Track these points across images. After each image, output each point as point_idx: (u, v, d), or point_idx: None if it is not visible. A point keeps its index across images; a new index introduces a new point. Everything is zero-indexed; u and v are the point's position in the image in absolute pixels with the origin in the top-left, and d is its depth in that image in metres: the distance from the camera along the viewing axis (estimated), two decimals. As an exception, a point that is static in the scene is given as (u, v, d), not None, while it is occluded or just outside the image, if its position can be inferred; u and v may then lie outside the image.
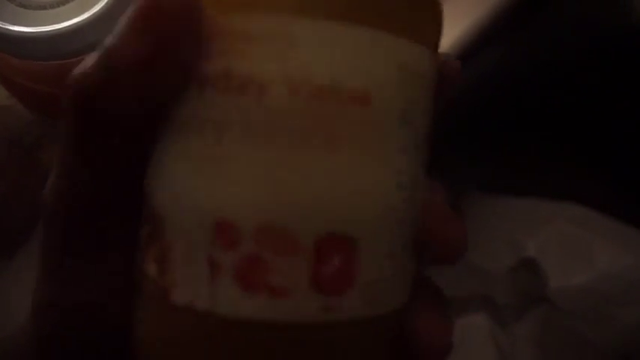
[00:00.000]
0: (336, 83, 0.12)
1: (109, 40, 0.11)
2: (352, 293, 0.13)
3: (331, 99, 0.12)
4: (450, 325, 0.17)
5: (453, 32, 0.40)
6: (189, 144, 0.12)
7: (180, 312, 0.12)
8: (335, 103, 0.12)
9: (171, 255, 0.12)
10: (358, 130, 0.13)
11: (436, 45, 0.15)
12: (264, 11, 0.12)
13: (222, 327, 0.11)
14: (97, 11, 0.18)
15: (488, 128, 0.46)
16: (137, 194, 0.13)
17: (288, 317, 0.12)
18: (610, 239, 0.46)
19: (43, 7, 0.18)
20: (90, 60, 0.12)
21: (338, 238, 0.12)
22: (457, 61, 0.18)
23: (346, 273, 0.12)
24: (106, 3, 0.18)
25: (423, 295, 0.16)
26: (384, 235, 0.14)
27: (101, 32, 0.18)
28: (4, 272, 0.28)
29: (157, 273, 0.12)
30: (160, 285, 0.12)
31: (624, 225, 0.47)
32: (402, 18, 0.13)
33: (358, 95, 0.12)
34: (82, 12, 0.18)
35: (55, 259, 0.13)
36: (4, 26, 0.17)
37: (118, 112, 0.12)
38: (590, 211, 0.48)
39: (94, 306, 0.13)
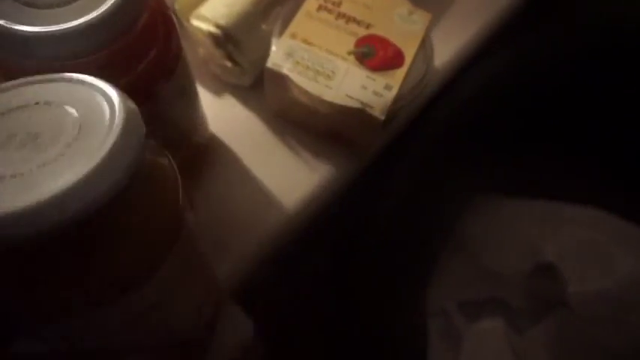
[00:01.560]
0: None
1: None
2: None
3: None
4: None
5: (463, 35, 0.39)
6: None
7: None
8: None
9: None
10: None
11: None
12: None
13: None
14: (104, 11, 0.17)
15: (503, 129, 0.45)
16: None
17: None
18: (630, 245, 0.46)
19: (50, 6, 0.17)
20: None
21: None
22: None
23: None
24: (113, 3, 0.17)
25: None
26: None
27: (106, 33, 0.18)
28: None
29: None
30: None
31: (644, 230, 0.46)
32: None
33: None
34: (89, 12, 0.17)
35: None
36: (9, 25, 0.16)
37: None
38: (610, 215, 0.47)
39: None
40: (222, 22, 0.30)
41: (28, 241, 0.14)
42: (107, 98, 0.16)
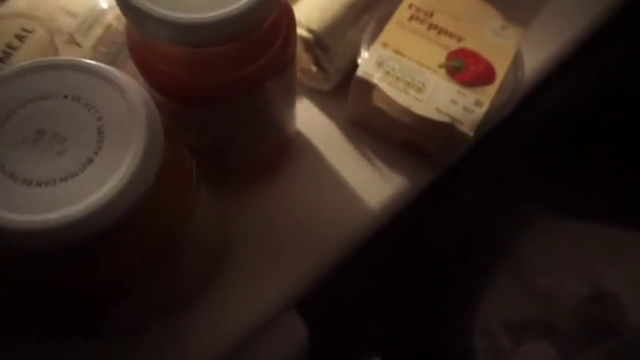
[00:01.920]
0: None
1: None
2: None
3: None
4: None
5: (532, 61, 0.38)
6: None
7: None
8: None
9: None
10: None
11: None
12: None
13: None
14: (247, 4, 0.18)
15: (571, 149, 0.44)
16: None
17: None
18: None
19: None
20: None
21: None
22: None
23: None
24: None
25: None
26: None
27: (246, 24, 0.18)
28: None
29: None
30: None
31: None
32: None
33: None
34: (231, 4, 0.18)
35: None
36: (164, 12, 0.17)
37: None
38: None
39: None
40: (314, 26, 0.30)
41: (56, 250, 0.15)
42: (128, 98, 0.16)
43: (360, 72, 0.29)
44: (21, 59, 0.27)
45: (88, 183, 0.15)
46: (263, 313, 0.31)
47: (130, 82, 0.17)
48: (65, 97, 0.16)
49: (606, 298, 0.44)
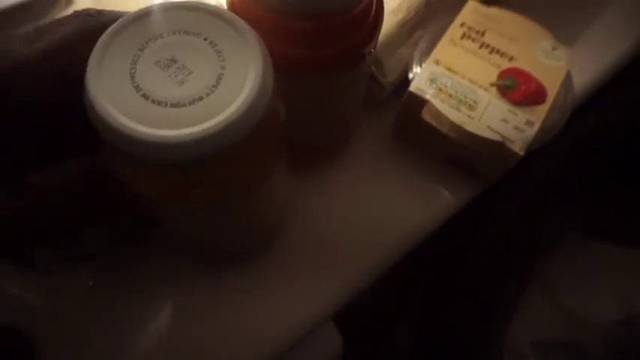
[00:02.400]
0: None
1: None
2: None
3: None
4: None
5: (578, 79, 0.38)
6: None
7: None
8: None
9: None
10: None
11: None
12: None
13: None
14: None
15: (610, 172, 0.44)
16: None
17: None
18: None
19: None
20: None
21: None
22: None
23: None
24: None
25: None
26: None
27: None
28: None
29: None
30: None
31: None
32: None
33: None
34: None
35: None
36: None
37: None
38: None
39: None
40: (369, 41, 0.30)
41: (209, 157, 0.17)
42: (247, 38, 0.19)
43: (412, 87, 0.30)
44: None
45: (210, 107, 0.17)
46: (304, 322, 0.31)
47: (251, 30, 0.19)
48: (199, 36, 0.19)
49: (637, 323, 0.44)
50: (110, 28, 0.19)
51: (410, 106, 0.31)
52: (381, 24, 0.24)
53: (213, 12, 0.19)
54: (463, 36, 0.31)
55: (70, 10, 0.32)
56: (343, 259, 0.32)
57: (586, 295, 0.46)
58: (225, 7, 0.24)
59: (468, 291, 0.42)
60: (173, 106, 0.17)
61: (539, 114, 0.29)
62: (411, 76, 0.31)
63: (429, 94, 0.29)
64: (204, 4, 0.20)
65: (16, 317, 0.29)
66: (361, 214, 0.33)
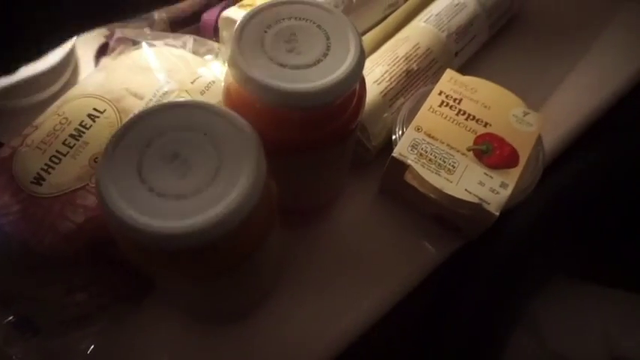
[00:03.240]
0: None
1: None
2: None
3: None
4: None
5: (551, 136, 0.41)
6: None
7: None
8: None
9: None
10: None
11: None
12: None
13: None
14: (347, 67, 0.23)
15: (590, 218, 0.47)
16: None
17: None
18: None
19: (297, 68, 0.23)
20: None
21: None
22: None
23: None
24: (351, 61, 0.23)
25: None
26: None
27: (348, 86, 0.24)
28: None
29: None
30: None
31: None
32: None
33: None
34: (335, 70, 0.23)
35: None
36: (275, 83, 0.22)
37: None
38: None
39: None
40: (354, 110, 0.33)
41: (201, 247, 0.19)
42: (239, 127, 0.21)
43: (395, 153, 0.32)
44: (92, 136, 0.30)
45: (210, 198, 0.19)
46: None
47: (248, 125, 0.21)
48: (199, 131, 0.21)
49: (623, 365, 0.45)
50: (120, 126, 0.21)
51: (393, 169, 0.33)
52: (364, 103, 0.27)
53: (212, 109, 0.21)
54: (441, 104, 0.34)
55: (80, 87, 0.34)
56: (333, 309, 0.34)
57: (571, 337, 0.48)
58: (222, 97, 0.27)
59: (456, 337, 0.44)
60: (176, 198, 0.19)
61: (512, 176, 0.32)
62: (394, 138, 0.34)
63: (410, 159, 0.32)
64: (204, 102, 0.22)
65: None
66: (349, 266, 0.35)
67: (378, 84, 0.35)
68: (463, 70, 0.37)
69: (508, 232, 0.42)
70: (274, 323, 0.33)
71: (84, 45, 0.43)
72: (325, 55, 0.24)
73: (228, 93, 0.26)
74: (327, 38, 0.24)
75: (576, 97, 0.43)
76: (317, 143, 0.26)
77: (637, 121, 0.46)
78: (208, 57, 0.39)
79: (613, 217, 0.49)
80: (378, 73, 0.35)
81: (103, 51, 0.42)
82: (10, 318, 0.29)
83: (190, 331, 0.33)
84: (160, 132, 0.21)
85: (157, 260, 0.21)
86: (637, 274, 0.48)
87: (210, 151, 0.20)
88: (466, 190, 0.31)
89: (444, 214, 0.34)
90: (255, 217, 0.21)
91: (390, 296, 0.35)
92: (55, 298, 0.31)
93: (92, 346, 0.30)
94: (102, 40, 0.42)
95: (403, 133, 0.33)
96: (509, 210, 0.39)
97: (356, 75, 0.24)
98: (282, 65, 0.23)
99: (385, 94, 0.35)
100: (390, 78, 0.35)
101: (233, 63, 0.23)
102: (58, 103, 0.32)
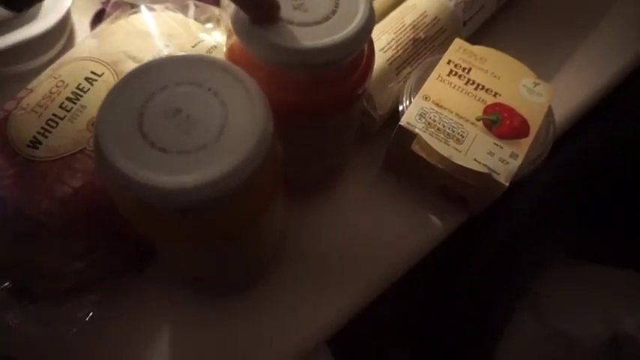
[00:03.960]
0: None
1: None
2: None
3: None
4: None
5: (558, 112, 0.40)
6: None
7: None
8: None
9: None
10: None
11: None
12: None
13: None
14: (356, 25, 0.22)
15: (596, 195, 0.46)
16: None
17: None
18: None
19: (304, 25, 0.22)
20: None
21: None
22: None
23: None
24: (361, 19, 0.22)
25: None
26: None
27: (357, 45, 0.23)
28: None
29: None
30: None
31: None
32: None
33: None
34: (343, 28, 0.22)
35: None
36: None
37: None
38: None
39: None
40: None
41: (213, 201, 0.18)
42: (247, 87, 0.20)
43: (403, 122, 0.31)
44: (90, 100, 0.29)
45: (215, 154, 0.18)
46: (298, 349, 0.32)
47: (254, 81, 0.20)
48: (203, 86, 0.20)
49: (624, 342, 0.45)
50: (120, 79, 0.20)
51: (400, 139, 0.32)
52: (373, 67, 0.26)
53: (215, 64, 0.20)
54: (450, 73, 0.33)
55: (76, 50, 0.33)
56: (336, 285, 0.33)
57: (573, 316, 0.48)
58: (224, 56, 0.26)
59: (458, 315, 0.44)
60: (179, 153, 0.18)
61: (522, 147, 0.31)
62: (401, 109, 0.33)
63: (418, 128, 0.31)
64: (206, 56, 0.21)
65: (16, 348, 0.30)
66: (354, 241, 0.34)
67: (385, 52, 0.34)
68: (471, 40, 0.35)
69: (513, 209, 0.41)
70: (275, 296, 0.33)
71: (80, 11, 0.42)
72: (334, 12, 0.23)
73: (231, 52, 0.25)
74: None
75: (586, 71, 0.42)
76: (323, 107, 0.25)
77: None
78: (209, 25, 0.38)
79: (617, 196, 0.48)
80: (385, 41, 0.34)
81: (99, 18, 0.41)
82: (7, 284, 0.28)
83: (190, 302, 0.32)
84: (163, 86, 0.20)
85: (158, 221, 0.20)
86: (637, 252, 0.48)
87: (214, 107, 0.19)
88: (475, 159, 0.30)
89: (451, 186, 0.33)
90: (260, 178, 0.20)
91: (392, 271, 0.34)
92: (52, 267, 0.30)
93: (91, 313, 0.29)
94: (98, 6, 0.41)
95: (410, 102, 0.32)
96: (515, 185, 0.39)
97: (365, 33, 0.23)
98: (288, 22, 0.22)
99: (392, 63, 0.34)
100: (397, 46, 0.34)
101: (236, 20, 0.22)
102: (53, 66, 0.31)
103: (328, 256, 0.34)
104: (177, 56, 0.21)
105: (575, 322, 0.47)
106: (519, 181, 0.39)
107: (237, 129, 0.19)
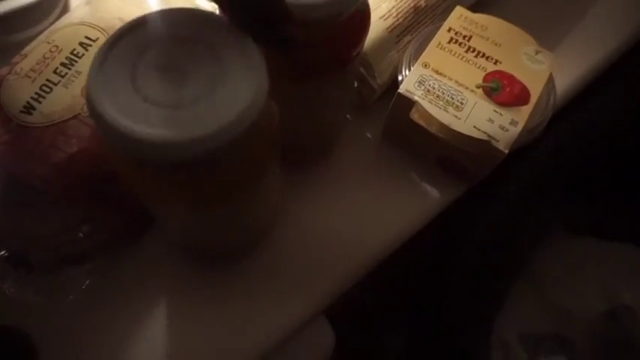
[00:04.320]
0: None
1: None
2: None
3: None
4: None
5: (561, 82, 0.39)
6: None
7: None
8: None
9: None
10: None
11: None
12: None
13: None
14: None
15: (593, 170, 0.46)
16: None
17: None
18: None
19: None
20: None
21: None
22: None
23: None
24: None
25: None
26: None
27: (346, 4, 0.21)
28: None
29: None
30: None
31: None
32: None
33: None
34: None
35: None
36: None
37: None
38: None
39: None
40: (359, 45, 0.31)
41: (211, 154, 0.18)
42: (242, 42, 0.19)
43: (402, 89, 0.31)
44: (85, 65, 0.29)
45: (208, 108, 0.18)
46: (297, 317, 0.32)
47: (250, 37, 0.20)
48: (198, 41, 0.19)
49: (622, 314, 0.45)
50: (113, 33, 0.19)
51: (399, 106, 0.32)
52: (368, 28, 0.25)
53: (211, 18, 0.20)
54: (450, 40, 0.33)
55: (70, 16, 0.32)
56: (333, 255, 0.33)
57: (572, 289, 0.48)
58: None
59: (457, 288, 0.44)
60: (173, 107, 0.18)
61: (522, 114, 0.31)
62: (400, 78, 0.32)
63: (417, 95, 0.31)
64: (202, 10, 0.20)
65: (15, 317, 0.30)
66: (351, 212, 0.34)
67: (385, 19, 0.33)
68: (474, 9, 0.35)
69: (512, 182, 0.41)
70: (273, 262, 0.33)
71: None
72: None
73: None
74: None
75: (589, 42, 0.41)
76: (317, 68, 0.24)
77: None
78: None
79: (616, 170, 0.48)
80: (385, 8, 0.34)
81: (94, -13, 0.40)
82: (3, 252, 0.28)
83: (187, 270, 0.32)
84: (157, 40, 0.19)
85: (153, 179, 0.20)
86: (635, 226, 0.48)
87: (209, 62, 0.19)
88: (475, 127, 0.30)
89: (450, 155, 0.33)
90: (255, 137, 0.19)
91: (391, 241, 0.34)
92: (49, 236, 0.30)
93: (87, 281, 0.29)
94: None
95: (410, 71, 0.32)
96: (515, 155, 0.39)
97: None
98: None
99: (392, 31, 0.33)
100: (397, 14, 0.34)
101: None
102: (46, 32, 0.31)
103: (325, 226, 0.34)
104: (174, 9, 0.20)
105: (574, 296, 0.48)
106: (519, 154, 0.39)
107: (231, 84, 0.18)
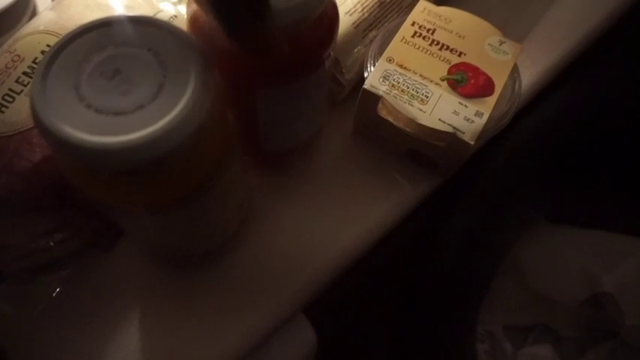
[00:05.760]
0: None
1: None
2: None
3: None
4: None
5: (529, 74, 0.39)
6: None
7: None
8: None
9: None
10: None
11: None
12: None
13: None
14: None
15: (568, 159, 0.46)
16: None
17: None
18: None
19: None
20: None
21: None
22: None
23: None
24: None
25: None
26: None
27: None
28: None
29: None
30: None
31: None
32: None
33: None
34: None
35: None
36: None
37: None
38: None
39: None
40: (323, 42, 0.31)
41: (145, 164, 0.18)
42: (186, 42, 0.19)
43: (366, 85, 0.31)
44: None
45: (151, 115, 0.18)
46: (272, 317, 0.32)
47: (195, 40, 0.20)
48: (143, 47, 0.19)
49: (604, 301, 0.45)
50: (57, 41, 0.19)
51: (366, 102, 0.32)
52: (337, 29, 0.26)
53: (157, 24, 0.20)
54: (414, 34, 0.33)
55: (32, 24, 0.32)
56: (307, 253, 0.33)
57: (553, 278, 0.48)
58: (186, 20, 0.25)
59: (438, 282, 0.44)
60: (116, 114, 0.18)
61: (488, 105, 0.31)
62: (366, 74, 0.32)
63: (382, 90, 0.31)
64: (148, 17, 0.20)
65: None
66: (324, 209, 0.34)
67: (350, 15, 0.33)
68: (441, 2, 0.35)
69: (489, 174, 0.41)
70: (247, 265, 0.33)
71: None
72: None
73: (193, 21, 0.24)
74: None
75: (556, 32, 0.41)
76: (289, 71, 0.24)
77: (615, 59, 0.45)
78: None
79: (590, 157, 0.48)
80: (350, 3, 0.34)
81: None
82: (-28, 263, 0.28)
83: (161, 278, 0.32)
84: (101, 47, 0.19)
85: (103, 185, 0.20)
86: (614, 214, 0.48)
87: (153, 68, 0.19)
88: (440, 119, 0.30)
89: (420, 149, 0.33)
90: (202, 141, 0.20)
91: (366, 236, 0.34)
92: (18, 245, 0.30)
93: (57, 289, 0.29)
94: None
95: (375, 66, 0.32)
96: (490, 146, 0.39)
97: None
98: None
99: (357, 26, 0.33)
100: (363, 9, 0.34)
101: None
102: (9, 41, 0.31)
103: (300, 223, 0.34)
104: (117, 17, 0.20)
105: (556, 284, 0.48)
106: (494, 143, 0.39)
107: (175, 90, 0.18)
